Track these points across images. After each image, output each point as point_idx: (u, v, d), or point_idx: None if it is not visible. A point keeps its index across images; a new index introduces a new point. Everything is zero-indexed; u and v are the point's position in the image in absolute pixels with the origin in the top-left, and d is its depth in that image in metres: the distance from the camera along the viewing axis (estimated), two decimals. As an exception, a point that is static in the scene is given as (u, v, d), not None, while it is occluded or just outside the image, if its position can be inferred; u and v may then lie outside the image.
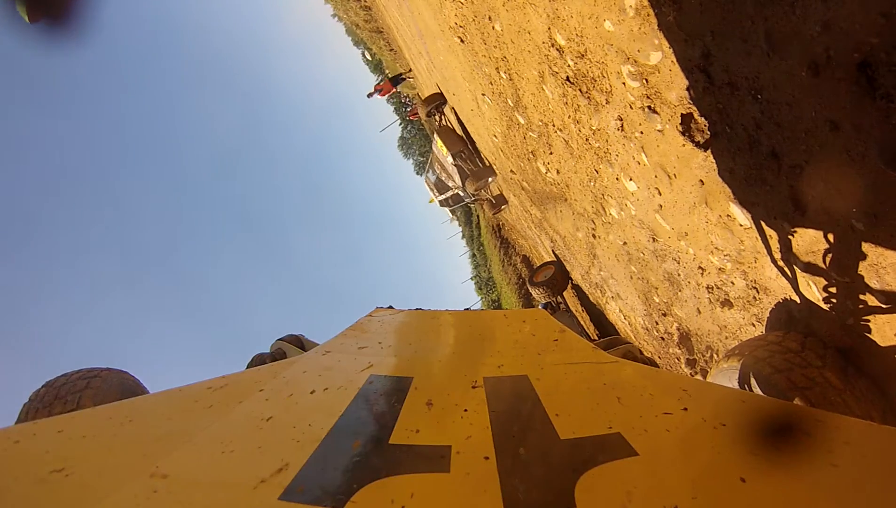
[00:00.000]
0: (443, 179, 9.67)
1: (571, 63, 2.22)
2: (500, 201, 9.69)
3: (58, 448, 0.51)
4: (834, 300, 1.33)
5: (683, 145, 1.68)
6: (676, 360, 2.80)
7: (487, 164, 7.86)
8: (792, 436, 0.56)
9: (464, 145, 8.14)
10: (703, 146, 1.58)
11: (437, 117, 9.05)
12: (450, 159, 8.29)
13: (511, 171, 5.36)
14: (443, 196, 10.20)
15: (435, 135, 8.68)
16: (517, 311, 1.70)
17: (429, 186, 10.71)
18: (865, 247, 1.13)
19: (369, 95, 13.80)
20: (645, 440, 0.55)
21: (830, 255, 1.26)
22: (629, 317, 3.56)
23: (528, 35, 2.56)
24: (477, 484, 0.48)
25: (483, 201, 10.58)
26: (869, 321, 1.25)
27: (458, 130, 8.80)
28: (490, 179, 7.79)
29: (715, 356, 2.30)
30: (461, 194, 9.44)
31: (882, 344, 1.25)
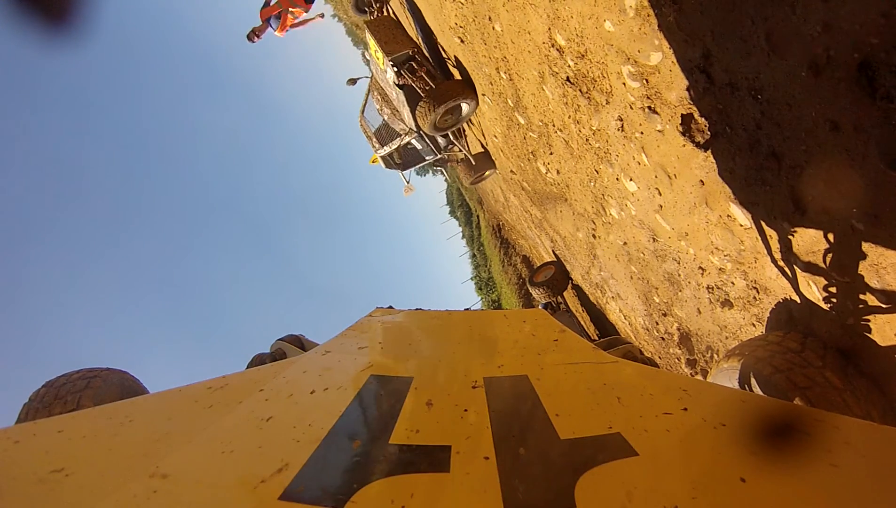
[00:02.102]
0: (385, 117, 5.65)
1: (571, 63, 2.22)
2: (483, 163, 6.03)
3: (58, 448, 0.51)
4: (834, 300, 1.33)
5: (684, 146, 1.68)
6: (676, 360, 2.80)
7: (458, 78, 4.47)
8: (792, 436, 0.56)
9: (415, 48, 4.43)
10: (704, 146, 1.58)
11: (374, 7, 5.24)
12: (390, 75, 4.43)
13: (511, 171, 5.35)
14: (388, 149, 6.08)
15: (367, 34, 4.57)
16: (517, 311, 1.70)
17: (366, 133, 6.44)
18: (865, 247, 1.13)
19: (252, 37, 5.90)
20: (645, 441, 0.55)
21: (831, 255, 1.26)
22: (629, 317, 3.56)
23: (528, 35, 2.56)
24: (477, 484, 0.48)
25: (455, 162, 6.61)
26: (869, 320, 1.25)
27: (412, 32, 5.07)
28: (464, 106, 4.38)
29: (715, 356, 2.30)
30: (416, 143, 5.76)
31: (882, 344, 1.25)
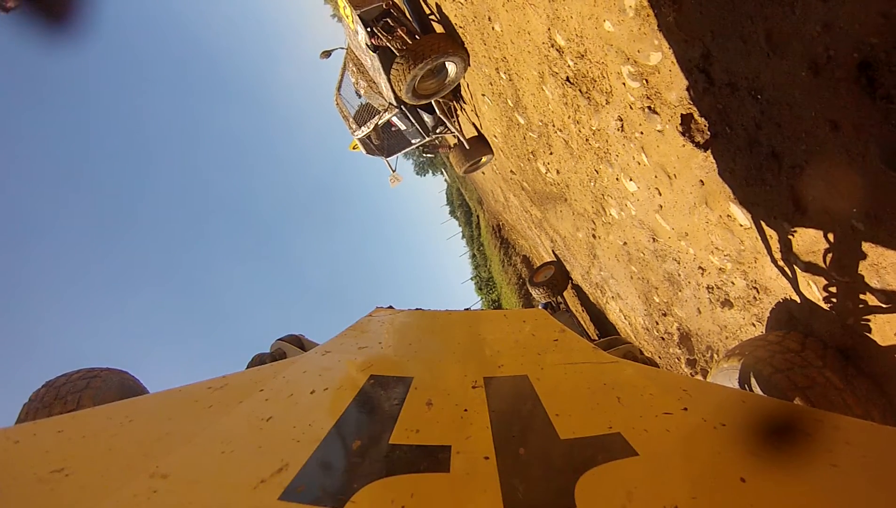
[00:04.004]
0: (362, 92, 4.92)
1: (571, 63, 2.22)
2: (478, 149, 5.35)
3: (58, 448, 0.51)
4: (834, 300, 1.33)
5: (683, 146, 1.68)
6: (677, 360, 2.80)
7: (441, 31, 3.74)
8: (792, 436, 0.56)
9: (390, 2, 3.70)
10: (703, 147, 1.58)
11: None
12: (362, 36, 3.72)
13: (511, 171, 5.35)
14: (366, 130, 5.31)
15: None
16: (517, 311, 1.70)
17: (342, 112, 5.63)
18: (865, 247, 1.13)
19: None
20: (645, 441, 0.55)
21: (831, 255, 1.26)
22: (629, 317, 3.56)
23: (527, 35, 2.56)
24: (477, 484, 0.48)
25: (447, 148, 6.02)
26: (869, 320, 1.25)
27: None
28: (450, 67, 3.64)
29: (715, 355, 2.30)
30: (398, 122, 5.02)
31: (882, 344, 1.25)
